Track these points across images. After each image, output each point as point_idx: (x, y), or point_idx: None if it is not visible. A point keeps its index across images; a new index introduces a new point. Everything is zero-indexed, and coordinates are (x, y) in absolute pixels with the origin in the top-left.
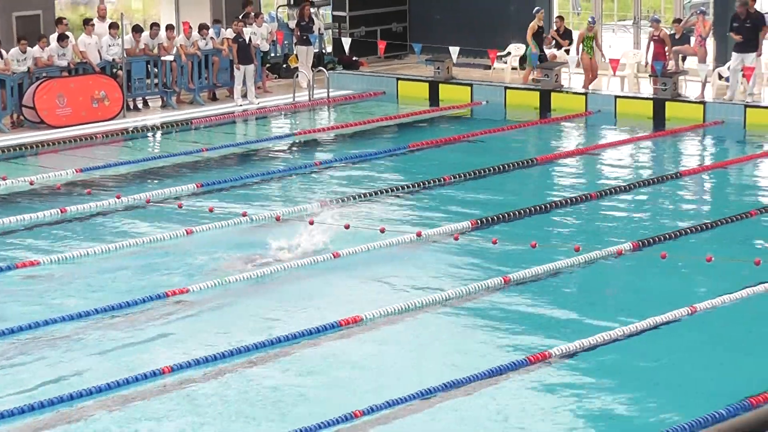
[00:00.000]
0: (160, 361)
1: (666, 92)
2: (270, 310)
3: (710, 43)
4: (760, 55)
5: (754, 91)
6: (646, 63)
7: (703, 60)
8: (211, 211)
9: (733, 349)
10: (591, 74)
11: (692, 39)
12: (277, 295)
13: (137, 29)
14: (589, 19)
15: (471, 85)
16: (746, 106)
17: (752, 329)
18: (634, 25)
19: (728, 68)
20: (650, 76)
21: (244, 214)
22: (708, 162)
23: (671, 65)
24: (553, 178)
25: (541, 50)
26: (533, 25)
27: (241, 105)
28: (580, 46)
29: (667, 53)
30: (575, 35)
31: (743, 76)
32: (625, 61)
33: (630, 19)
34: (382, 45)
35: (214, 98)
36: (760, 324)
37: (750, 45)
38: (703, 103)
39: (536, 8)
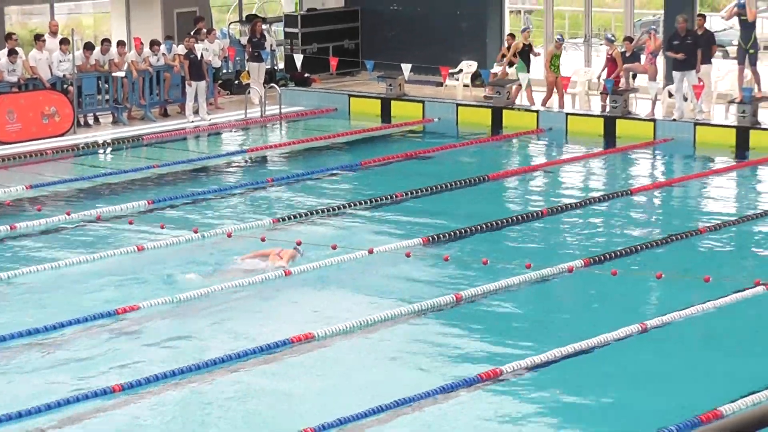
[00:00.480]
0: (109, 379)
1: (617, 110)
2: (220, 328)
3: (660, 61)
4: (698, 71)
5: (703, 109)
6: (600, 83)
7: (653, 78)
8: (162, 228)
9: (683, 365)
10: (558, 92)
11: (642, 57)
12: (227, 312)
13: (88, 46)
14: (558, 37)
15: (423, 102)
16: (696, 124)
17: (702, 346)
18: (585, 43)
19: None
20: (601, 93)
21: (196, 231)
22: (658, 179)
23: (622, 83)
24: (504, 195)
25: (528, 68)
26: (518, 44)
27: (192, 121)
28: (548, 63)
29: (618, 71)
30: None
31: (694, 94)
32: (576, 78)
33: (581, 37)
34: (334, 62)
35: (165, 114)
36: (710, 341)
37: (690, 62)
38: (653, 120)
39: (523, 27)
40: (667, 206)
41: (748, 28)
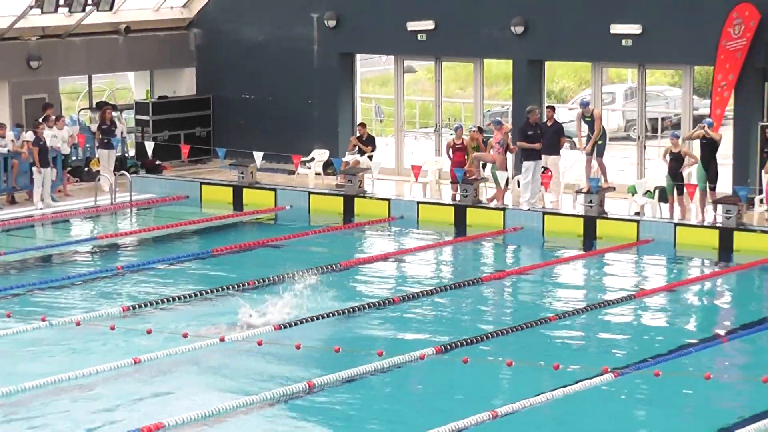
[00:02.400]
0: None
1: (467, 199)
2: (66, 418)
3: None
4: (539, 159)
5: (552, 198)
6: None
7: (502, 167)
8: (9, 316)
9: None
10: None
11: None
12: (77, 401)
13: None
14: (463, 126)
15: (275, 189)
16: (545, 213)
17: None
18: (436, 133)
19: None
20: (451, 182)
21: (44, 319)
22: (508, 268)
23: (472, 172)
24: (356, 282)
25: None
26: (493, 140)
27: (41, 208)
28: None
29: (467, 160)
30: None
31: (541, 183)
32: (427, 167)
33: (432, 126)
34: (185, 149)
35: (12, 201)
36: (560, 428)
37: (537, 152)
38: (503, 209)
39: (495, 120)
40: (516, 294)
41: (593, 124)
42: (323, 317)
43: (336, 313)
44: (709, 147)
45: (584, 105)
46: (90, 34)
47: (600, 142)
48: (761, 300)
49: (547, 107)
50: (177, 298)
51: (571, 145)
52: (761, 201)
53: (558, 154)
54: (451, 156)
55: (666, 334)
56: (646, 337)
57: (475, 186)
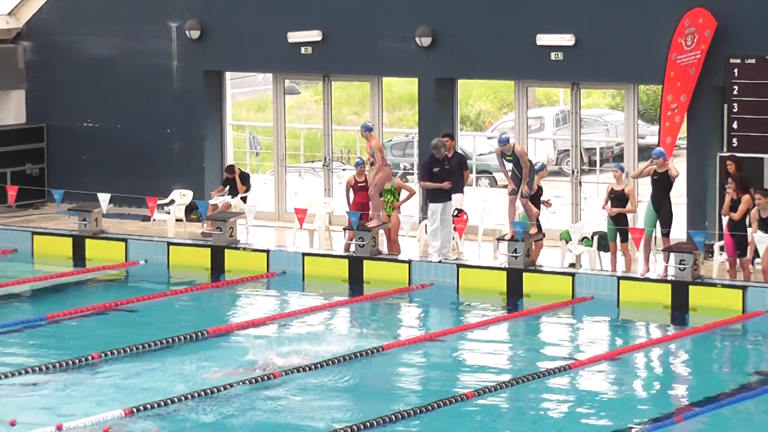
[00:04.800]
0: None
1: (364, 249)
2: None
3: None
4: (449, 200)
5: (460, 249)
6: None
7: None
8: None
9: None
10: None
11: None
12: None
13: None
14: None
15: (126, 240)
16: (459, 266)
17: None
18: (325, 168)
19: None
20: (345, 229)
21: None
22: (415, 334)
23: (372, 216)
24: (228, 352)
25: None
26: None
27: None
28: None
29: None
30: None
31: (455, 229)
32: (315, 211)
33: (320, 160)
34: (12, 191)
35: None
36: None
37: (446, 192)
38: (409, 262)
39: (540, 165)
40: (426, 366)
41: (518, 162)
42: (185, 397)
43: (202, 393)
44: (662, 184)
45: (503, 143)
46: None
47: (528, 179)
48: (722, 370)
49: (444, 135)
50: (4, 376)
51: (491, 182)
52: (721, 249)
53: (461, 192)
54: (353, 197)
55: (608, 412)
56: (583, 416)
57: (374, 234)
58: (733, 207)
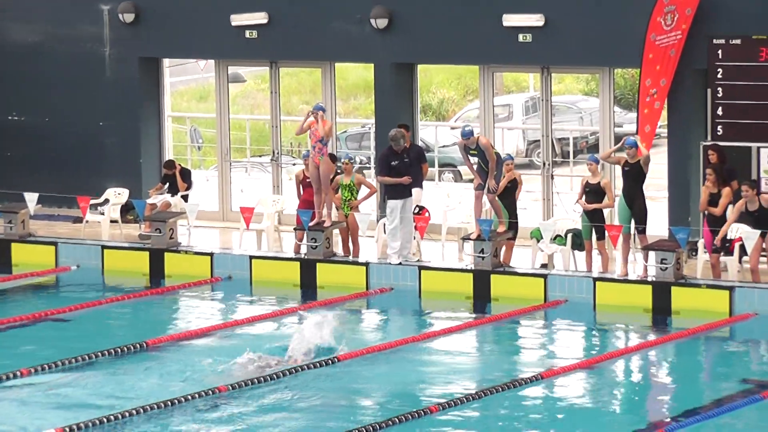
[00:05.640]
0: None
1: (317, 251)
2: None
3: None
4: (409, 196)
5: (412, 249)
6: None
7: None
8: None
9: None
10: (341, 236)
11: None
12: None
13: None
14: (348, 157)
15: (56, 243)
16: (421, 268)
17: None
18: (274, 162)
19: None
20: (295, 229)
21: None
22: (372, 343)
23: (325, 215)
24: (170, 368)
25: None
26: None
27: None
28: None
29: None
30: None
31: (416, 228)
32: (262, 210)
33: (268, 154)
34: None
35: None
36: None
37: (405, 188)
38: (366, 264)
39: (505, 156)
40: (387, 378)
41: (484, 156)
42: (129, 413)
43: (147, 408)
44: (634, 176)
45: (465, 136)
46: None
47: (495, 173)
48: (708, 378)
49: (399, 126)
50: None
51: (455, 176)
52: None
53: (420, 186)
54: (302, 193)
55: (583, 425)
56: (557, 430)
57: (327, 234)
58: (713, 201)
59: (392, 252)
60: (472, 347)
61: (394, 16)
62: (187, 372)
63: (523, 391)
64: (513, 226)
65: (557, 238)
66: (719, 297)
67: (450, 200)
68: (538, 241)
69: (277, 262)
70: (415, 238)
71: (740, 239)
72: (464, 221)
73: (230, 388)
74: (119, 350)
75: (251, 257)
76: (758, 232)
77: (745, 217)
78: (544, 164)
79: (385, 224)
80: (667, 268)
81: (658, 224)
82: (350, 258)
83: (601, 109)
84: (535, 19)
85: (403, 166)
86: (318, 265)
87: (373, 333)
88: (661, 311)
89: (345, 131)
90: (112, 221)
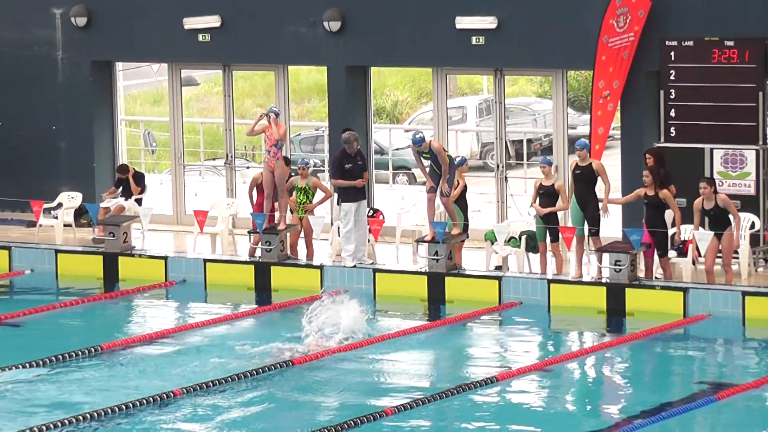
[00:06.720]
0: None
1: (271, 254)
2: None
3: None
4: (363, 199)
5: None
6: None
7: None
8: None
9: None
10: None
11: None
12: None
13: None
14: (304, 162)
15: (9, 248)
16: (375, 271)
17: None
18: (227, 166)
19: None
20: (250, 233)
21: None
22: (330, 344)
23: (278, 218)
24: (125, 372)
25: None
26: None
27: None
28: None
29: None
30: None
31: (370, 231)
32: (217, 213)
33: (222, 157)
34: None
35: None
36: None
37: (359, 191)
38: (321, 267)
39: (460, 159)
40: (340, 382)
41: (436, 159)
42: (87, 416)
43: (100, 413)
44: (586, 178)
45: (417, 143)
46: None
47: (448, 176)
48: (663, 380)
49: (345, 130)
50: None
51: (409, 179)
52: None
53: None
54: (255, 198)
55: (539, 428)
56: (512, 431)
57: (281, 237)
58: (655, 204)
59: (346, 255)
60: (427, 349)
61: (347, 18)
62: (143, 379)
63: (477, 394)
64: (465, 228)
65: (511, 240)
66: (673, 298)
67: (404, 203)
68: (492, 243)
69: (231, 265)
70: (369, 241)
71: (692, 241)
72: (418, 224)
73: (184, 391)
74: (73, 354)
75: (205, 260)
76: (711, 233)
77: (700, 215)
78: (498, 166)
79: (339, 227)
80: (621, 269)
81: (612, 226)
82: (303, 261)
83: (554, 111)
84: (488, 22)
85: (357, 169)
86: (272, 268)
87: (326, 336)
88: (616, 313)
89: (299, 134)
90: (65, 225)
